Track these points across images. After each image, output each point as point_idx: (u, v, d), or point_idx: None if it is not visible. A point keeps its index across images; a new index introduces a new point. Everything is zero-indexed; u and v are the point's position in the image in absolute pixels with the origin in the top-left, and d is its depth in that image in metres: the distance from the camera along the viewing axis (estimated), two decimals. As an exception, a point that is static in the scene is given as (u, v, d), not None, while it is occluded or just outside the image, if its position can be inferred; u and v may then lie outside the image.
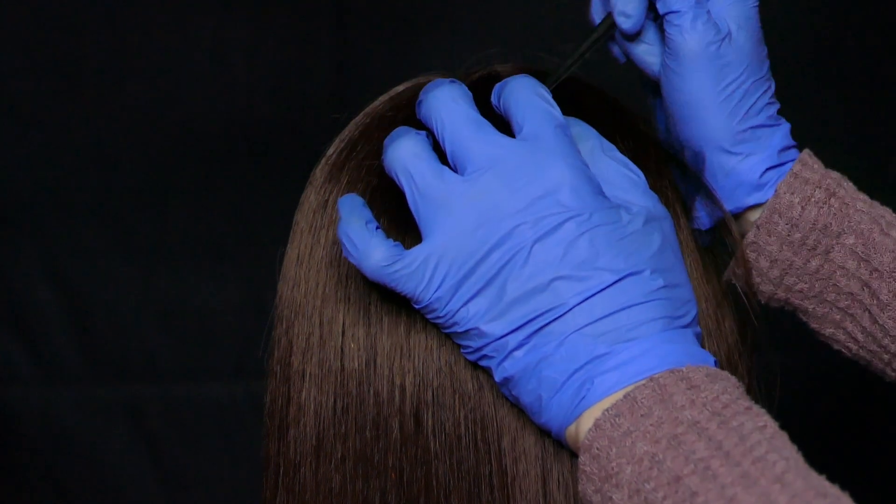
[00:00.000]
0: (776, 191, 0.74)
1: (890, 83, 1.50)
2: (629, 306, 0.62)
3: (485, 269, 0.62)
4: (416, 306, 0.64)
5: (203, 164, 1.50)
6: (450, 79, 0.68)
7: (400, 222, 0.67)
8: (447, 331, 0.65)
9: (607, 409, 0.60)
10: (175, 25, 1.48)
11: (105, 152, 1.50)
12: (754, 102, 0.73)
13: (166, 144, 1.50)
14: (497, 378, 0.64)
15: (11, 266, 1.51)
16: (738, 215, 0.76)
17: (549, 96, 0.66)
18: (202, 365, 1.53)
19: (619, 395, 0.61)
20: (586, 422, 0.61)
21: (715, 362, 0.63)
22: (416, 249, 0.63)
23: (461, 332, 0.64)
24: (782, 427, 0.60)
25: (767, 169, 0.74)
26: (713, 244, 0.74)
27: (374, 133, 0.72)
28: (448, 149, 0.65)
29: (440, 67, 0.76)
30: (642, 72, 0.77)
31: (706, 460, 0.57)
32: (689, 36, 0.72)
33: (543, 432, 0.65)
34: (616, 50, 0.78)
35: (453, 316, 0.63)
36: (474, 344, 0.64)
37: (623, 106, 0.75)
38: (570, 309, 0.62)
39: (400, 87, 0.75)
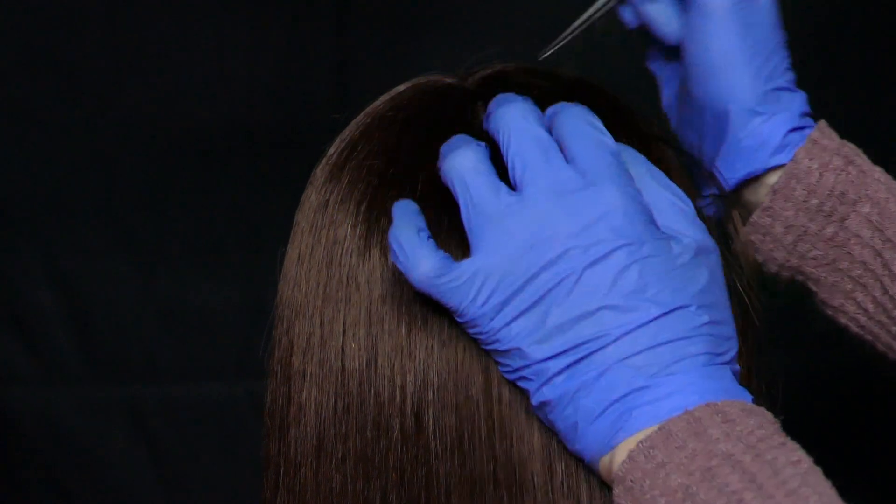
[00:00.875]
0: (795, 156, 0.75)
1: (890, 83, 1.50)
2: (672, 340, 0.62)
3: (532, 290, 0.62)
4: (459, 320, 0.64)
5: (203, 165, 1.50)
6: (522, 97, 0.68)
7: None
8: (488, 347, 0.64)
9: (641, 441, 0.60)
10: (175, 25, 1.48)
11: (105, 152, 1.50)
12: (777, 64, 0.74)
13: (166, 144, 1.50)
14: (534, 402, 0.64)
15: (11, 266, 1.51)
16: (755, 179, 0.76)
17: (600, 125, 0.66)
18: (202, 365, 1.53)
19: (654, 427, 0.60)
20: (620, 453, 0.61)
21: (752, 400, 0.63)
22: (466, 263, 0.63)
23: (502, 351, 0.64)
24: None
25: (790, 131, 0.75)
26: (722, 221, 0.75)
27: (374, 133, 0.72)
28: (511, 166, 0.65)
29: (440, 67, 0.76)
30: (654, 34, 0.77)
31: (739, 493, 0.57)
32: None
33: (546, 431, 0.65)
34: (628, 15, 0.78)
35: (496, 334, 0.63)
36: (514, 363, 0.64)
37: (626, 105, 0.75)
38: (615, 340, 0.62)
39: (400, 87, 0.75)
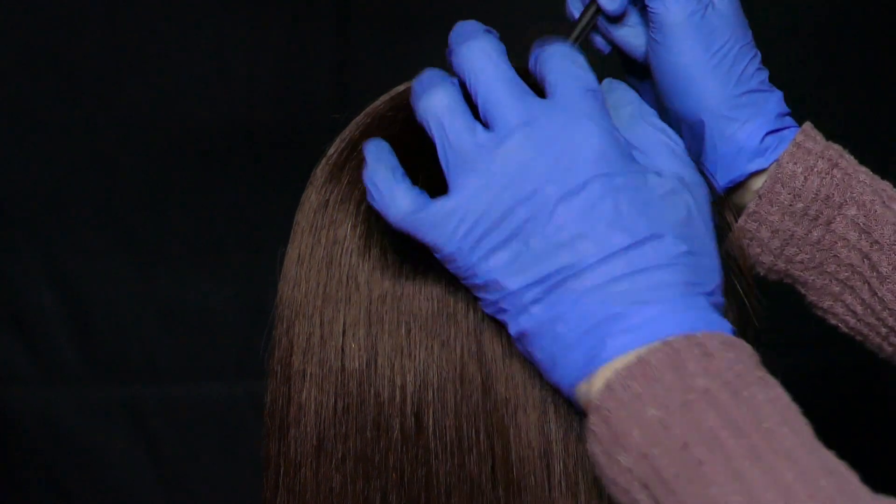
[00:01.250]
0: (779, 160, 0.75)
1: (890, 83, 1.50)
2: (647, 269, 0.62)
3: (508, 224, 0.63)
4: (437, 255, 0.64)
5: (203, 165, 1.50)
6: (483, 27, 0.68)
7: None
8: (466, 282, 0.65)
9: (619, 371, 0.60)
10: (175, 25, 1.48)
11: (105, 152, 1.50)
12: (745, 67, 0.74)
13: (166, 144, 1.50)
14: (512, 332, 0.64)
15: (11, 266, 1.51)
16: (740, 185, 0.76)
17: (583, 62, 0.66)
18: (202, 365, 1.53)
19: (633, 357, 0.60)
20: (598, 382, 0.61)
21: (732, 331, 0.63)
22: (443, 200, 0.63)
23: (480, 284, 0.64)
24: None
25: (767, 134, 0.75)
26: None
27: (374, 133, 0.72)
28: (480, 104, 0.65)
29: (440, 67, 0.76)
30: (627, 56, 0.77)
31: (715, 430, 0.57)
32: (673, 7, 0.73)
33: (544, 432, 0.65)
34: (599, 41, 0.78)
35: (473, 268, 0.63)
36: (491, 297, 0.64)
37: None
38: (588, 267, 0.62)
39: (400, 87, 0.75)
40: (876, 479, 0.57)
